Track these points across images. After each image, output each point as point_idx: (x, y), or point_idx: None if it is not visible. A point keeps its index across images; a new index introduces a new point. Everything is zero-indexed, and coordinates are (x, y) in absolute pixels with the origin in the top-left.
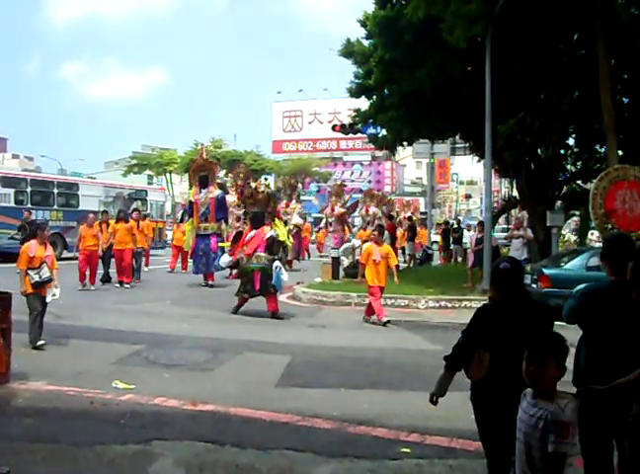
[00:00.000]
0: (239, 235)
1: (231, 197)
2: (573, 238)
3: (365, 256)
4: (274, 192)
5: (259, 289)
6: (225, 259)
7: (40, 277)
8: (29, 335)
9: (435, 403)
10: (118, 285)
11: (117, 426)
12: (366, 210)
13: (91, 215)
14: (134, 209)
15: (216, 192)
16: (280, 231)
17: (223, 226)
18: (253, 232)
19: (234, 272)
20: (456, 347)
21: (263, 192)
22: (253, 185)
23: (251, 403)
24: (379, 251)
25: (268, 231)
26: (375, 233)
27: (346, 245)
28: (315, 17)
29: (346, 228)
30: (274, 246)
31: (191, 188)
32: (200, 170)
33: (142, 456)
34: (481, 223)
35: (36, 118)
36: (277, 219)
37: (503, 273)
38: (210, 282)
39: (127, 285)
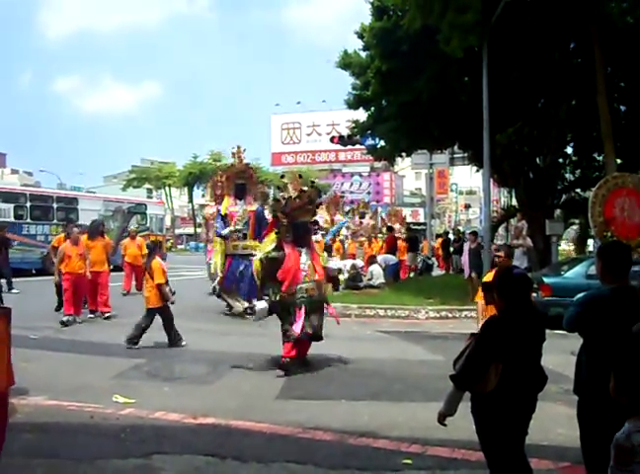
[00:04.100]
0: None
1: (211, 209)
2: (572, 247)
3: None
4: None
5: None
6: (261, 305)
7: (170, 291)
8: (171, 339)
9: (444, 423)
10: (92, 315)
11: (117, 440)
12: (332, 220)
13: (75, 230)
14: (68, 221)
15: (256, 204)
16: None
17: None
18: (305, 251)
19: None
20: (467, 364)
21: (310, 190)
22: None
23: (251, 416)
24: None
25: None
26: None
27: (346, 262)
28: (311, 28)
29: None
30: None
31: (189, 200)
32: (238, 177)
33: (143, 470)
34: (474, 233)
35: (33, 132)
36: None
37: (518, 280)
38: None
39: (108, 315)
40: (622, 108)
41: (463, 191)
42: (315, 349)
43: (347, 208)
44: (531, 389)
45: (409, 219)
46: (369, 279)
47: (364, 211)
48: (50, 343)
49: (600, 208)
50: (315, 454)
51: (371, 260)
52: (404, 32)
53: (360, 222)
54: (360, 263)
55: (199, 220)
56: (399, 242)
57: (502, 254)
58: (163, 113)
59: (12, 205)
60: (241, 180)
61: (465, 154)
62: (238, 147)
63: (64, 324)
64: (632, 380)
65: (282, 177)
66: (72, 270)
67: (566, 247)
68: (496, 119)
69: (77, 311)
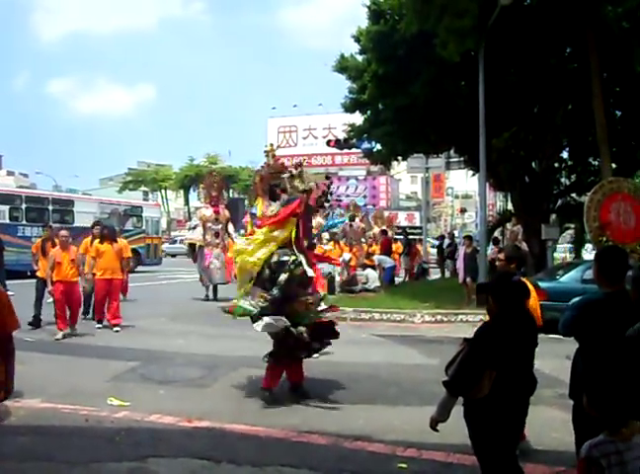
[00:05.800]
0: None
1: (208, 211)
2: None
3: None
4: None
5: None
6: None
7: None
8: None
9: (436, 429)
10: (99, 325)
11: (112, 443)
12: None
13: (63, 232)
14: (95, 223)
15: None
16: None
17: None
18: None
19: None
20: (460, 371)
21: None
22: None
23: (246, 419)
24: None
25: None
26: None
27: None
28: (306, 31)
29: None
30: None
31: (185, 202)
32: (274, 178)
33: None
34: (469, 237)
35: (29, 134)
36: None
37: (515, 286)
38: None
39: (118, 328)
40: (618, 112)
41: (459, 195)
42: None
43: (340, 211)
44: (524, 394)
45: (404, 223)
46: (365, 283)
47: (354, 214)
48: (45, 345)
49: (596, 213)
50: (310, 458)
51: (368, 258)
52: (401, 36)
53: (351, 225)
54: (347, 255)
55: (195, 222)
56: (396, 246)
57: (501, 256)
58: (158, 115)
59: (7, 207)
60: (277, 180)
61: (461, 158)
62: (271, 145)
63: (59, 339)
64: (603, 395)
65: (328, 178)
66: (63, 278)
67: (563, 254)
68: (492, 124)
69: (73, 321)
